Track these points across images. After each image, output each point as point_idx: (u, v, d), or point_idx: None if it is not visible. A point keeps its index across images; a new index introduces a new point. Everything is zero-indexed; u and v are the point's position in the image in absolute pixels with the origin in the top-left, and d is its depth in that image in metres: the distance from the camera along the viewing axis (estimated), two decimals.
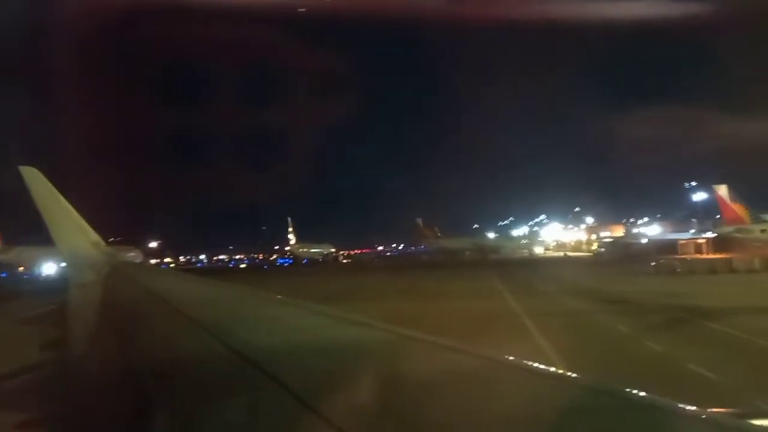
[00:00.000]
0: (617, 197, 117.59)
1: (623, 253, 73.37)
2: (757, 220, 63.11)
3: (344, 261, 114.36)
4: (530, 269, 57.06)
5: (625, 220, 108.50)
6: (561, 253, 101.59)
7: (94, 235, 13.39)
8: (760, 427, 2.35)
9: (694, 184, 76.95)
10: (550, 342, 16.78)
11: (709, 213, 74.47)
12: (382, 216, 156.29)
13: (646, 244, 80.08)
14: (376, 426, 2.12)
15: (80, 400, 4.55)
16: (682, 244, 71.40)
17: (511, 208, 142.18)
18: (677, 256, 59.22)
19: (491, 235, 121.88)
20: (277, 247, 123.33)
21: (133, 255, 60.74)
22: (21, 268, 71.12)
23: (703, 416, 2.03)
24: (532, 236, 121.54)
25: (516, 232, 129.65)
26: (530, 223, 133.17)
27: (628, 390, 2.18)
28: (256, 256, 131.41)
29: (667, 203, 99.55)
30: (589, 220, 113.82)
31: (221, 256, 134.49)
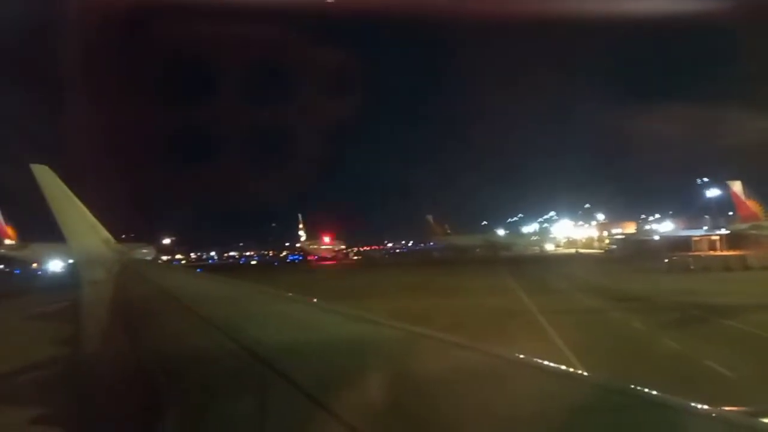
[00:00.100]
0: (628, 194, 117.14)
1: (635, 250, 72.77)
2: None
3: (354, 258, 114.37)
4: (542, 266, 56.78)
5: (636, 217, 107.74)
6: (572, 250, 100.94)
7: (104, 233, 13.44)
8: None
9: (706, 180, 76.26)
10: (566, 340, 16.60)
11: (722, 209, 73.85)
12: (392, 213, 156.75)
13: (658, 241, 79.35)
14: (385, 423, 2.12)
15: (93, 395, 4.52)
16: (696, 241, 70.82)
17: (520, 205, 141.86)
18: (691, 253, 58.69)
19: (501, 232, 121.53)
20: (287, 244, 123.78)
21: (146, 252, 61.27)
22: (35, 265, 71.77)
23: (716, 415, 2.01)
24: (543, 233, 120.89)
25: (526, 229, 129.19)
26: (540, 219, 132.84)
27: (640, 388, 2.19)
28: (266, 252, 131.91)
29: (680, 200, 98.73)
30: (600, 216, 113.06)
31: (232, 253, 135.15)
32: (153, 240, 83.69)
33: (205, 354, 3.71)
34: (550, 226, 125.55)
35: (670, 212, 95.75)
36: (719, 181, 71.22)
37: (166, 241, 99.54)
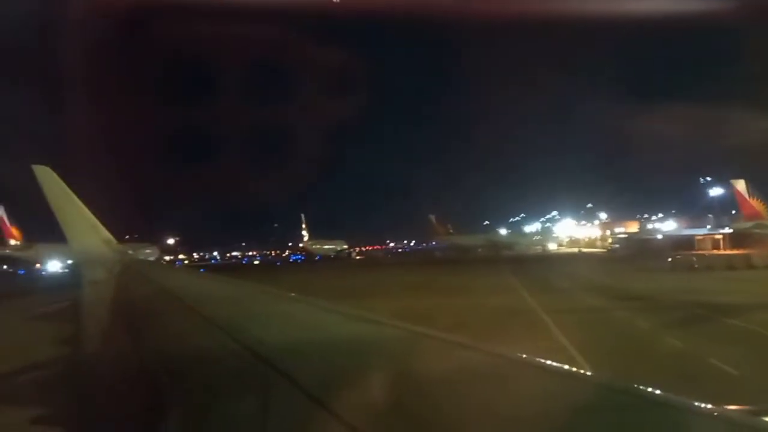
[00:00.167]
0: (630, 193, 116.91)
1: (638, 249, 72.60)
2: None
3: (357, 257, 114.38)
4: (545, 266, 56.73)
5: (638, 216, 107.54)
6: (575, 250, 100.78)
7: (106, 233, 13.44)
8: None
9: (709, 179, 76.03)
10: (572, 339, 16.57)
11: (724, 209, 73.59)
12: (394, 213, 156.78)
13: (661, 239, 79.06)
14: (387, 423, 2.11)
15: (94, 396, 4.52)
16: (699, 240, 70.55)
17: (522, 205, 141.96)
18: (694, 252, 58.48)
19: (503, 231, 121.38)
20: (290, 244, 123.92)
21: (149, 252, 61.44)
22: (38, 265, 72.00)
23: (718, 413, 2.00)
24: (545, 232, 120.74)
25: (528, 229, 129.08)
26: (542, 219, 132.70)
27: (642, 388, 2.19)
28: (268, 252, 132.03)
29: (682, 199, 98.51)
30: (602, 216, 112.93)
31: (234, 253, 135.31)
32: (156, 240, 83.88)
33: (207, 354, 3.71)
34: (553, 225, 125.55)
35: (673, 211, 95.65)
36: (722, 180, 71.13)
37: (170, 241, 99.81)
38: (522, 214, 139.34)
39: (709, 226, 76.07)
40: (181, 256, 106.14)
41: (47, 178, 13.55)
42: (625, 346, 16.48)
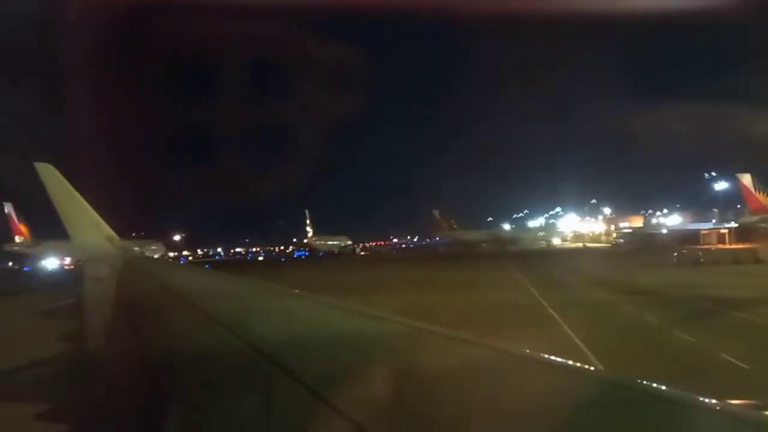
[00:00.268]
0: (635, 189, 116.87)
1: (643, 244, 72.48)
2: None
3: (362, 253, 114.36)
4: (549, 260, 56.62)
5: (643, 212, 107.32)
6: (579, 245, 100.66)
7: (108, 230, 13.46)
8: None
9: (714, 174, 75.75)
10: (580, 335, 16.52)
11: (729, 203, 73.36)
12: (397, 209, 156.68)
13: (666, 234, 78.96)
14: (389, 419, 2.11)
15: (95, 392, 4.51)
16: (704, 234, 70.49)
17: (526, 201, 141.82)
18: (700, 247, 58.35)
19: (507, 227, 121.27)
20: (295, 240, 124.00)
21: (154, 248, 61.66)
22: (43, 262, 72.40)
23: (721, 408, 2.00)
24: (549, 228, 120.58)
25: (532, 224, 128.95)
26: (546, 215, 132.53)
27: (646, 383, 2.21)
28: (272, 248, 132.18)
29: (686, 194, 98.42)
30: (606, 211, 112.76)
31: (238, 249, 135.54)
32: (162, 237, 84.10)
33: (209, 351, 3.71)
34: (557, 221, 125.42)
35: (677, 206, 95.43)
36: (727, 174, 70.86)
37: (176, 238, 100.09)
38: (526, 210, 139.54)
39: (714, 221, 75.93)
40: (185, 253, 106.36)
41: (50, 175, 13.55)
42: (634, 341, 16.43)
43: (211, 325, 4.46)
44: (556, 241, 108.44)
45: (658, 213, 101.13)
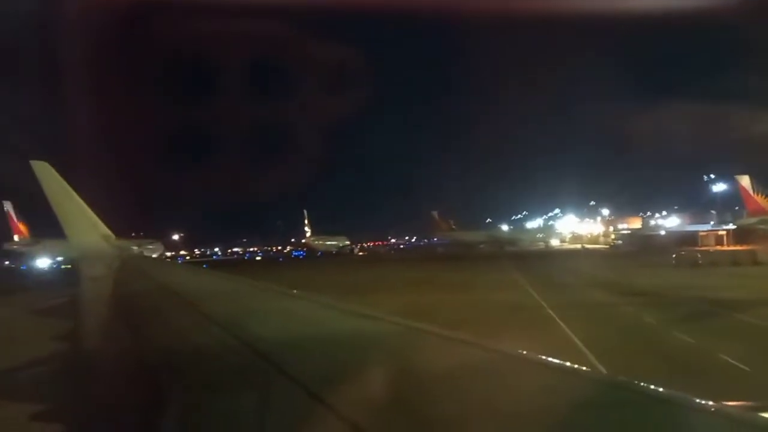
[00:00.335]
0: (633, 190, 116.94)
1: (642, 246, 72.58)
2: None
3: (360, 253, 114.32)
4: (549, 262, 56.64)
5: (641, 213, 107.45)
6: (578, 246, 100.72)
7: (104, 229, 13.41)
8: None
9: (713, 176, 75.87)
10: (579, 334, 16.50)
11: (727, 205, 73.47)
12: (395, 209, 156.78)
13: (664, 236, 79.11)
14: (386, 419, 2.11)
15: (91, 391, 4.49)
16: (703, 236, 70.63)
17: (525, 202, 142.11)
18: (698, 248, 58.40)
19: (505, 228, 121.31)
20: (293, 240, 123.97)
21: (152, 248, 61.74)
22: (43, 260, 72.50)
23: (717, 410, 2.00)
24: (548, 229, 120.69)
25: (530, 225, 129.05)
26: (544, 216, 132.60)
27: (643, 384, 2.20)
28: (269, 248, 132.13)
29: (684, 195, 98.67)
30: (605, 212, 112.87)
31: (235, 249, 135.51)
32: (160, 237, 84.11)
33: (205, 350, 3.69)
34: (555, 222, 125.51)
35: (675, 207, 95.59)
36: (725, 176, 70.98)
37: (174, 237, 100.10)
38: (524, 211, 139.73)
39: (712, 222, 76.08)
40: (182, 252, 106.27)
41: (45, 173, 13.47)
42: (634, 342, 16.41)
43: (207, 324, 4.45)
44: (555, 243, 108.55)
45: (657, 214, 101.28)
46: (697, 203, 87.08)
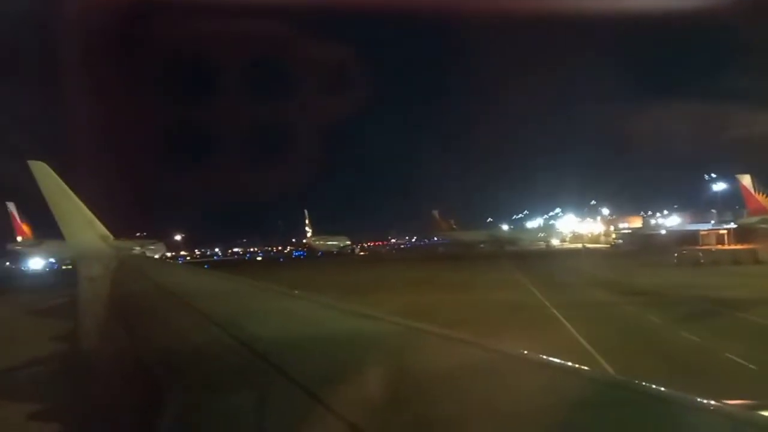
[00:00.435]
0: (633, 190, 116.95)
1: (642, 245, 72.55)
2: None
3: (361, 253, 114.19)
4: (550, 261, 56.63)
5: (642, 212, 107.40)
6: (579, 245, 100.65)
7: (102, 229, 13.37)
8: None
9: (714, 175, 75.81)
10: (584, 334, 16.49)
11: (727, 204, 73.43)
12: (395, 209, 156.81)
13: (665, 235, 79.08)
14: (383, 419, 2.10)
15: (88, 391, 4.48)
16: (704, 235, 70.61)
17: (525, 202, 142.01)
18: (699, 247, 58.38)
19: (506, 227, 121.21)
20: (294, 240, 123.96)
21: (153, 248, 61.65)
22: (35, 262, 72.72)
23: (717, 409, 2.00)
24: (548, 228, 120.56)
25: (531, 225, 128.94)
26: (545, 216, 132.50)
27: (643, 384, 2.20)
28: (270, 248, 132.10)
29: (684, 195, 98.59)
30: (605, 212, 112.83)
31: (236, 249, 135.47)
32: (162, 237, 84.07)
33: (203, 350, 3.69)
34: (556, 222, 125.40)
35: (675, 206, 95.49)
36: (725, 176, 70.95)
37: (176, 237, 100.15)
38: (525, 211, 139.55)
39: (713, 222, 76.01)
40: (182, 253, 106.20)
41: (43, 173, 13.44)
42: (639, 342, 16.37)
43: (206, 324, 4.43)
44: (555, 242, 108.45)
45: (658, 214, 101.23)
46: (697, 202, 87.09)
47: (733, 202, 70.08)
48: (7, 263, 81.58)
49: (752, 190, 62.37)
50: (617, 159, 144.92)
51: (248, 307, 5.30)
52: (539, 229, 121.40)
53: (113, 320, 6.26)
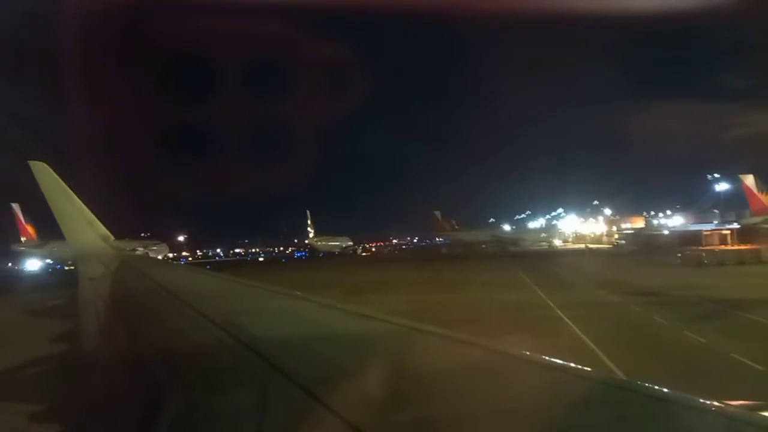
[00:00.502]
0: (636, 189, 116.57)
1: (645, 245, 72.42)
2: None
3: (364, 254, 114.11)
4: (554, 262, 56.52)
5: (645, 212, 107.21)
6: (581, 245, 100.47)
7: (102, 229, 13.39)
8: None
9: (716, 175, 75.61)
10: (591, 335, 16.45)
11: (729, 204, 73.24)
12: (397, 209, 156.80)
13: (668, 235, 78.93)
14: (382, 418, 2.10)
15: (88, 391, 4.48)
16: (707, 235, 70.41)
17: (527, 202, 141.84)
18: (703, 248, 58.26)
19: (507, 227, 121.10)
20: (296, 241, 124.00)
21: (156, 249, 61.82)
22: (31, 263, 73.07)
23: (718, 409, 2.00)
24: (551, 228, 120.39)
25: (533, 225, 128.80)
26: (547, 216, 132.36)
27: (644, 384, 2.21)
28: (272, 249, 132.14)
29: (687, 195, 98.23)
30: (608, 212, 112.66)
31: (237, 250, 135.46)
32: (165, 238, 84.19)
33: (203, 350, 3.68)
34: (558, 222, 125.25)
35: (677, 206, 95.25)
36: (728, 176, 70.78)
37: (179, 238, 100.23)
38: (527, 211, 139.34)
39: (715, 222, 75.79)
40: (184, 254, 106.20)
41: (44, 173, 13.48)
42: (645, 343, 16.35)
43: (208, 326, 4.40)
44: (558, 242, 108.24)
45: (660, 214, 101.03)
46: (699, 202, 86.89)
47: (736, 202, 69.99)
48: (9, 264, 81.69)
49: (755, 190, 62.24)
50: (620, 159, 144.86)
51: (249, 308, 5.29)
52: (541, 229, 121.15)
53: (112, 320, 6.25)
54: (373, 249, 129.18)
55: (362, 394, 2.32)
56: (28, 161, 13.71)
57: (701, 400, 1.99)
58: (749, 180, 62.77)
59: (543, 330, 17.08)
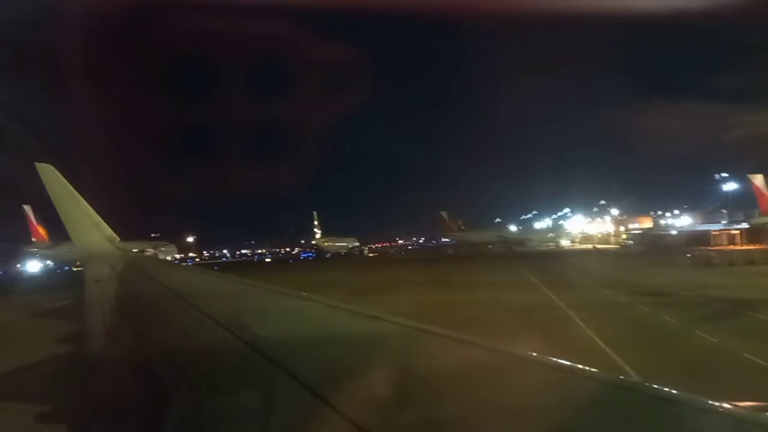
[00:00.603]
0: (644, 189, 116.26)
1: (653, 245, 72.11)
2: None
3: (370, 254, 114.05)
4: (562, 262, 56.35)
5: (652, 212, 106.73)
6: (589, 246, 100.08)
7: (108, 231, 13.46)
8: None
9: (724, 175, 75.16)
10: (602, 335, 16.34)
11: (737, 204, 72.84)
12: (403, 210, 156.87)
13: (676, 235, 78.51)
14: (388, 419, 2.10)
15: (94, 392, 4.46)
16: (715, 235, 70.07)
17: (534, 202, 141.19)
18: (712, 248, 57.95)
19: (514, 228, 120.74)
20: (302, 242, 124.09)
21: (165, 250, 62.11)
22: (31, 264, 73.61)
23: (721, 409, 1.98)
24: (558, 229, 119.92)
25: (539, 225, 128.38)
26: (554, 216, 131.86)
27: (649, 384, 2.21)
28: (278, 250, 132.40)
29: (694, 195, 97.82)
30: (615, 212, 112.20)
31: (244, 251, 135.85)
32: (174, 239, 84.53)
33: (208, 351, 3.69)
34: (565, 222, 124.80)
35: (685, 206, 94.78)
36: (737, 175, 70.40)
37: (188, 240, 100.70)
38: (534, 211, 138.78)
39: (724, 222, 75.37)
40: (191, 255, 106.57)
41: (50, 175, 13.58)
42: (657, 343, 16.27)
43: (209, 326, 4.38)
44: (565, 243, 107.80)
45: (668, 214, 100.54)
46: (707, 202, 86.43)
47: (744, 202, 69.61)
48: (18, 265, 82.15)
49: (765, 190, 61.88)
50: (626, 159, 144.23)
51: (254, 308, 5.26)
52: (548, 229, 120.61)
53: (117, 321, 6.28)
54: (380, 249, 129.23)
55: (368, 394, 2.31)
56: (35, 163, 13.81)
57: (710, 402, 1.97)
58: (759, 180, 62.42)
59: (553, 330, 16.99)
